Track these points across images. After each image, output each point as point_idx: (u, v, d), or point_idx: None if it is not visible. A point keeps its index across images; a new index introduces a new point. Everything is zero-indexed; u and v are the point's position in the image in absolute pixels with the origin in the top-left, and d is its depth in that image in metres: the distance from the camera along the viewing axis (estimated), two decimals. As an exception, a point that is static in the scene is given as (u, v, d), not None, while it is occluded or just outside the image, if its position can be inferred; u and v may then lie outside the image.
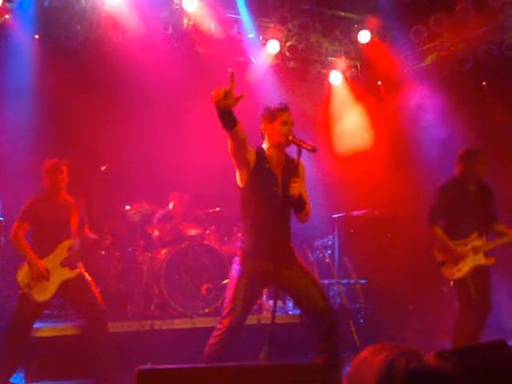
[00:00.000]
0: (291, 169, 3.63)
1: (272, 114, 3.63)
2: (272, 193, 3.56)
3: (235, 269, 3.61)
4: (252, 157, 3.60)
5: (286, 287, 3.71)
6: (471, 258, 4.66)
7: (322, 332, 3.65)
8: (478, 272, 4.67)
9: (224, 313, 3.56)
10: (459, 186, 4.81)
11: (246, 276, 3.56)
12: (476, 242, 4.69)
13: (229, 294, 3.58)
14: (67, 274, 4.45)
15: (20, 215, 4.51)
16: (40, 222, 4.50)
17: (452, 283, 4.73)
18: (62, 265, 4.44)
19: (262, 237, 3.59)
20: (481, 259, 4.67)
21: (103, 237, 4.69)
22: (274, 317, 3.43)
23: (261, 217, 3.61)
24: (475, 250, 4.67)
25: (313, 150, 3.43)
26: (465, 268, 4.65)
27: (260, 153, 3.66)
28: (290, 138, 3.54)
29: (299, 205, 3.58)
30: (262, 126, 3.70)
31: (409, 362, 1.14)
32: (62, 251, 4.47)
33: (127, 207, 5.65)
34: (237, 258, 3.66)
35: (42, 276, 4.33)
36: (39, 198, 4.61)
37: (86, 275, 4.58)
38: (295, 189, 3.44)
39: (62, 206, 4.58)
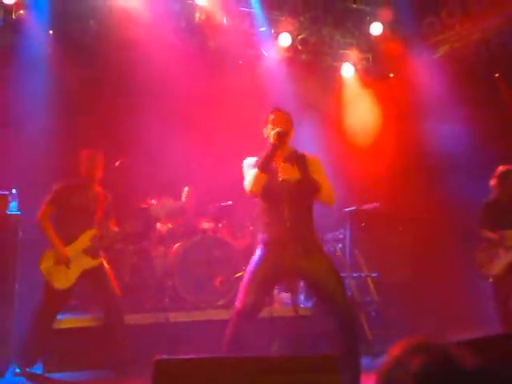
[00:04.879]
0: (296, 163, 3.70)
1: (265, 120, 3.83)
2: (276, 189, 3.61)
3: (257, 254, 3.69)
4: None
5: (304, 278, 3.78)
6: (505, 255, 4.89)
7: (338, 327, 3.68)
8: None
9: (239, 297, 3.64)
10: (500, 205, 5.08)
11: (265, 261, 3.63)
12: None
13: (246, 276, 3.66)
14: (89, 263, 4.50)
15: (49, 198, 4.56)
16: (67, 209, 4.55)
17: (491, 279, 4.92)
18: (85, 253, 4.50)
19: (275, 229, 3.65)
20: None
21: (123, 230, 4.75)
22: (296, 310, 3.50)
23: (270, 213, 3.69)
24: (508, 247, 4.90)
25: (279, 139, 3.56)
26: (499, 267, 4.89)
27: None
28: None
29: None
30: (264, 131, 3.87)
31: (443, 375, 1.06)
32: (85, 240, 4.52)
33: (152, 201, 5.74)
34: (259, 245, 3.73)
35: (62, 262, 4.39)
36: (71, 184, 4.67)
37: (105, 265, 4.65)
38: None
39: (92, 197, 4.64)
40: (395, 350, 1.15)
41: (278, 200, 3.60)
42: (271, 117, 3.77)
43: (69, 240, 4.49)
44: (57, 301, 4.46)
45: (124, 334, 4.54)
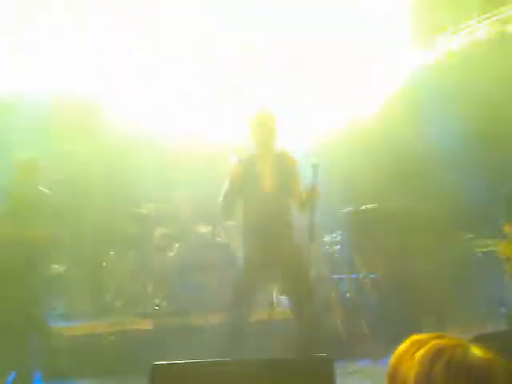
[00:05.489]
0: (277, 166, 4.02)
1: (250, 121, 4.14)
2: (258, 195, 3.93)
3: (242, 252, 4.03)
4: None
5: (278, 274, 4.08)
6: None
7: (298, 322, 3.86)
8: None
9: (232, 299, 3.92)
10: None
11: (248, 260, 3.92)
12: None
13: (236, 278, 4.02)
14: None
15: None
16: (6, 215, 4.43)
17: None
18: None
19: (256, 227, 3.95)
20: None
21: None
22: None
23: (251, 213, 3.99)
24: None
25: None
26: None
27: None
28: None
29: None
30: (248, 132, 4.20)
31: (451, 358, 1.02)
32: None
33: (149, 205, 5.77)
34: (243, 242, 4.06)
35: None
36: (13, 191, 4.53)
37: None
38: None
39: (27, 202, 4.46)
40: (402, 345, 1.14)
41: (259, 203, 3.88)
42: (255, 119, 3.93)
43: None
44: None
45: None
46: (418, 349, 1.07)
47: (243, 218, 4.03)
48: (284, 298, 5.65)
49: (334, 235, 6.42)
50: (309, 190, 3.88)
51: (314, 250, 4.55)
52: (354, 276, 5.95)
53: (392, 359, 1.13)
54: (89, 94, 6.05)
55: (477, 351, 1.04)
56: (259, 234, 3.85)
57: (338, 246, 6.28)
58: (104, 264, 5.94)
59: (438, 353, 1.04)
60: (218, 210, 4.04)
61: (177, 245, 5.96)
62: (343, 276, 5.93)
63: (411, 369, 1.05)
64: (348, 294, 5.76)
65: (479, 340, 1.42)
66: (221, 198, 3.97)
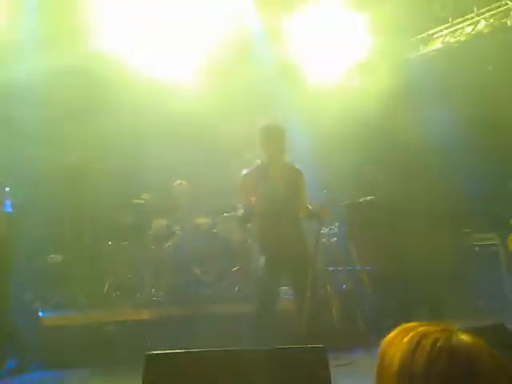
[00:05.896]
0: (289, 176, 4.37)
1: (258, 136, 4.45)
2: (272, 201, 4.24)
3: (263, 252, 4.34)
4: None
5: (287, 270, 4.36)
6: None
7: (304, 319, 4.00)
8: None
9: (260, 293, 4.29)
10: None
11: (270, 257, 4.24)
12: None
13: (263, 276, 4.29)
14: None
15: None
16: None
17: None
18: None
19: (272, 229, 4.27)
20: None
21: None
22: None
23: (267, 217, 4.30)
24: None
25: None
26: None
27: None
28: None
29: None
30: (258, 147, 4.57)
31: (435, 341, 1.03)
32: None
33: (146, 196, 5.81)
34: (261, 244, 4.40)
35: None
36: None
37: None
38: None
39: None
40: (391, 333, 1.16)
41: (274, 207, 4.20)
42: (263, 134, 4.10)
43: None
44: None
45: None
46: (406, 335, 1.09)
47: (258, 218, 4.32)
48: (284, 290, 5.70)
49: (332, 227, 6.43)
50: (319, 211, 4.33)
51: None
52: (350, 268, 5.96)
53: (381, 346, 1.15)
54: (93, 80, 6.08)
55: (463, 336, 1.05)
56: (274, 230, 4.19)
57: (334, 239, 6.30)
58: (102, 254, 5.96)
59: (423, 336, 1.06)
60: (239, 220, 4.74)
61: (175, 235, 5.97)
62: (340, 268, 5.95)
63: (397, 351, 1.07)
64: (344, 286, 5.78)
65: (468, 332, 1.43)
66: (239, 208, 4.51)
